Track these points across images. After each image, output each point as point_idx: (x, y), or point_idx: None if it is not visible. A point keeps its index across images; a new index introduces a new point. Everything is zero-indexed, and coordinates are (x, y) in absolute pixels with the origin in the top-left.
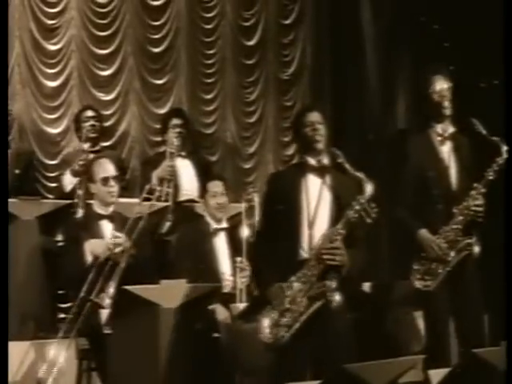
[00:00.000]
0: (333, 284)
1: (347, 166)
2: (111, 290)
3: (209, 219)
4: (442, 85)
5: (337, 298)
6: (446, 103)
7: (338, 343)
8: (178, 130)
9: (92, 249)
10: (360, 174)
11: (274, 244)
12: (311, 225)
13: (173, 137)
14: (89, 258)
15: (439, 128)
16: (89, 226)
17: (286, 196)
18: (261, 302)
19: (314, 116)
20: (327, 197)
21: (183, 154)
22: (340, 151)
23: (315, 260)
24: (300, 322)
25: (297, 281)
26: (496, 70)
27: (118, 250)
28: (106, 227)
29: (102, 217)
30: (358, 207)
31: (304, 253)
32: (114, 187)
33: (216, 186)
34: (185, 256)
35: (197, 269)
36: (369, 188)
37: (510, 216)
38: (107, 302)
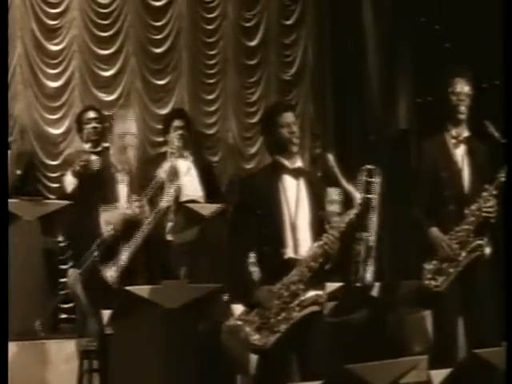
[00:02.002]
0: (324, 293)
1: (338, 175)
2: (120, 262)
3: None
4: (462, 87)
5: (329, 305)
6: (464, 107)
7: (326, 348)
8: (179, 131)
9: (107, 218)
10: (349, 186)
11: (254, 247)
12: (293, 226)
13: (174, 138)
14: (104, 228)
15: (454, 131)
16: (104, 176)
17: (263, 199)
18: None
19: (290, 117)
20: (304, 198)
21: (185, 154)
22: (339, 154)
23: (305, 266)
24: (288, 326)
25: (286, 286)
26: (497, 70)
27: (135, 218)
28: (122, 185)
29: (119, 170)
30: (347, 219)
31: (290, 254)
32: (131, 144)
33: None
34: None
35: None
36: (358, 200)
37: (510, 217)
38: (112, 274)
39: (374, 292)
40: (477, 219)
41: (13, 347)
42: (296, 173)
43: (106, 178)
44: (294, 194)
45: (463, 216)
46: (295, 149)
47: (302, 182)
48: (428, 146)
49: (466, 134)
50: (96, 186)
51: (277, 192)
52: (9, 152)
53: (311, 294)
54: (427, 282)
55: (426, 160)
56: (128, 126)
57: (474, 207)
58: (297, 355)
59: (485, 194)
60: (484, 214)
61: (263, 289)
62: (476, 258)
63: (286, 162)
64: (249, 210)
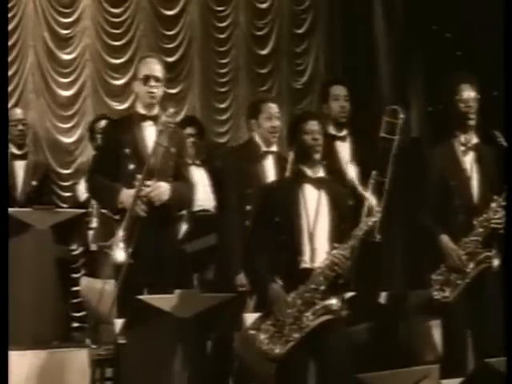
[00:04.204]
0: (339, 302)
1: (356, 183)
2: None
3: (259, 141)
4: (469, 94)
5: (343, 314)
6: (472, 113)
7: (341, 357)
8: (191, 139)
9: (123, 199)
10: (368, 194)
11: (272, 255)
12: (311, 237)
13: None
14: (119, 205)
15: (463, 138)
16: (131, 125)
17: (284, 207)
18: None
19: (315, 125)
20: (325, 208)
21: (197, 162)
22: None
23: (321, 275)
24: (303, 334)
25: (301, 295)
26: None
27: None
28: (149, 130)
29: (145, 118)
30: (365, 228)
31: (306, 264)
32: (155, 88)
33: (271, 108)
34: (233, 180)
35: (245, 194)
36: (376, 209)
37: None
38: (120, 253)
39: (383, 300)
40: (485, 230)
41: (24, 356)
42: (318, 182)
43: (132, 126)
44: (315, 204)
45: (472, 226)
46: (318, 157)
47: (323, 193)
48: (437, 154)
49: (474, 140)
50: (122, 135)
51: (297, 201)
52: (24, 162)
53: (326, 302)
54: (435, 292)
55: (434, 168)
56: (153, 68)
57: (482, 218)
58: (311, 364)
59: (493, 204)
60: (492, 226)
61: (278, 297)
62: (484, 269)
63: (309, 171)
64: (268, 216)
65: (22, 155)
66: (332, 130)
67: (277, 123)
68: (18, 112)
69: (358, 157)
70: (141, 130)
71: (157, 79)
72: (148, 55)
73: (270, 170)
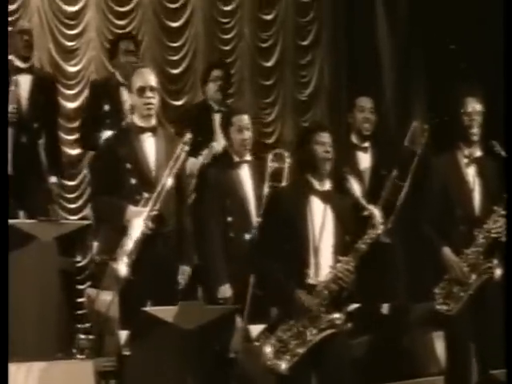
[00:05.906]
0: (343, 316)
1: (360, 197)
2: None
3: (232, 153)
4: (473, 107)
5: (348, 326)
6: (476, 126)
7: (346, 371)
8: (218, 82)
9: (130, 217)
10: (371, 207)
11: (278, 267)
12: (316, 251)
13: (212, 89)
14: (126, 224)
15: (466, 150)
16: (129, 138)
17: (290, 219)
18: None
19: (327, 137)
20: (330, 222)
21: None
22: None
23: (325, 289)
24: (307, 348)
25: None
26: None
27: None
28: (148, 142)
29: (144, 129)
30: (368, 240)
31: (310, 279)
32: (152, 99)
33: (241, 121)
34: (211, 192)
35: (225, 205)
36: (379, 222)
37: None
38: (124, 268)
39: (385, 311)
40: (486, 241)
41: (28, 368)
42: (324, 196)
43: (131, 139)
44: (320, 218)
45: (473, 237)
46: (327, 169)
47: (329, 207)
48: (440, 165)
49: (478, 153)
50: (121, 148)
51: (303, 214)
52: (29, 76)
53: (330, 316)
54: (439, 306)
55: (437, 179)
56: (147, 78)
57: (483, 229)
58: (315, 378)
59: (494, 215)
60: (493, 235)
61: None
62: (486, 280)
63: (316, 184)
64: (274, 227)
65: (27, 69)
66: (354, 140)
67: (247, 135)
68: (23, 23)
69: (377, 167)
70: (140, 142)
71: (152, 89)
72: (140, 65)
73: (246, 180)
